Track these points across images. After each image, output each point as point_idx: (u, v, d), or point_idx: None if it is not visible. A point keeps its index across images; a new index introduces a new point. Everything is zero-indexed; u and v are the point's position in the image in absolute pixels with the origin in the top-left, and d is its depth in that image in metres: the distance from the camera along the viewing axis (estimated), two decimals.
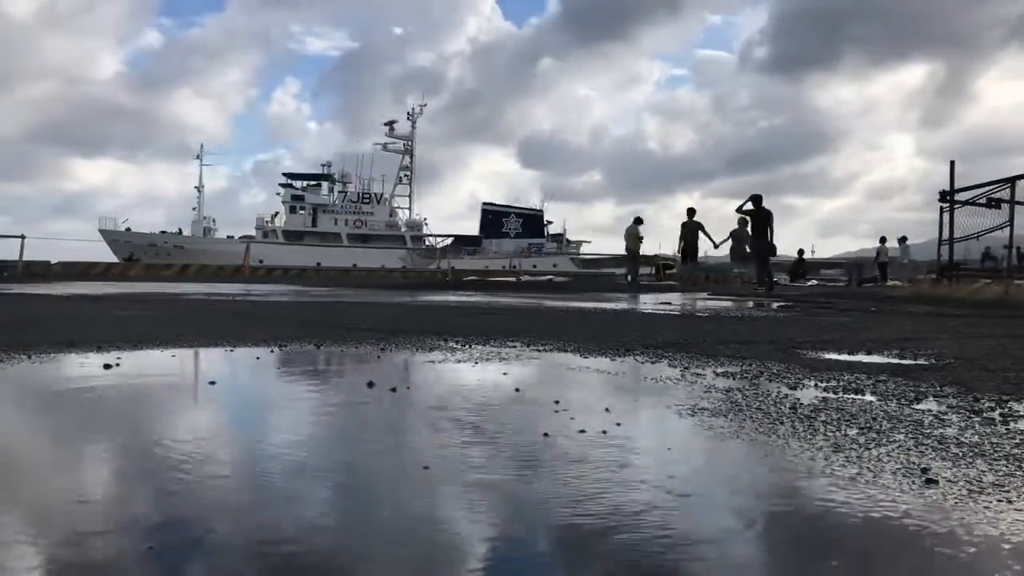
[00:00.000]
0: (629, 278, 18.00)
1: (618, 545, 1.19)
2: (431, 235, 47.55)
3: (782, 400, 2.34)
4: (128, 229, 40.91)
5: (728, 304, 8.92)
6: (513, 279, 21.58)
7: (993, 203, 11.46)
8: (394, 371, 3.02)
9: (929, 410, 2.22)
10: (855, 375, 2.86)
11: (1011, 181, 10.89)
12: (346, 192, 46.66)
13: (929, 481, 1.50)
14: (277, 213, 46.04)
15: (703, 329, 4.92)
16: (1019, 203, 10.78)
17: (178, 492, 1.42)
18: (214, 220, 45.60)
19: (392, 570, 1.11)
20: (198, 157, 46.08)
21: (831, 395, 2.44)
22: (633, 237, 17.83)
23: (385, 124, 48.55)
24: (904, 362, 3.32)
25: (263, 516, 1.30)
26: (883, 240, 25.30)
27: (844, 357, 3.48)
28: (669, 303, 9.11)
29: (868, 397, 2.42)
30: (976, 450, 1.75)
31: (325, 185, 47.19)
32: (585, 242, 46.95)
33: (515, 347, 3.76)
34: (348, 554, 1.15)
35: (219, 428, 2.08)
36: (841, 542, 1.22)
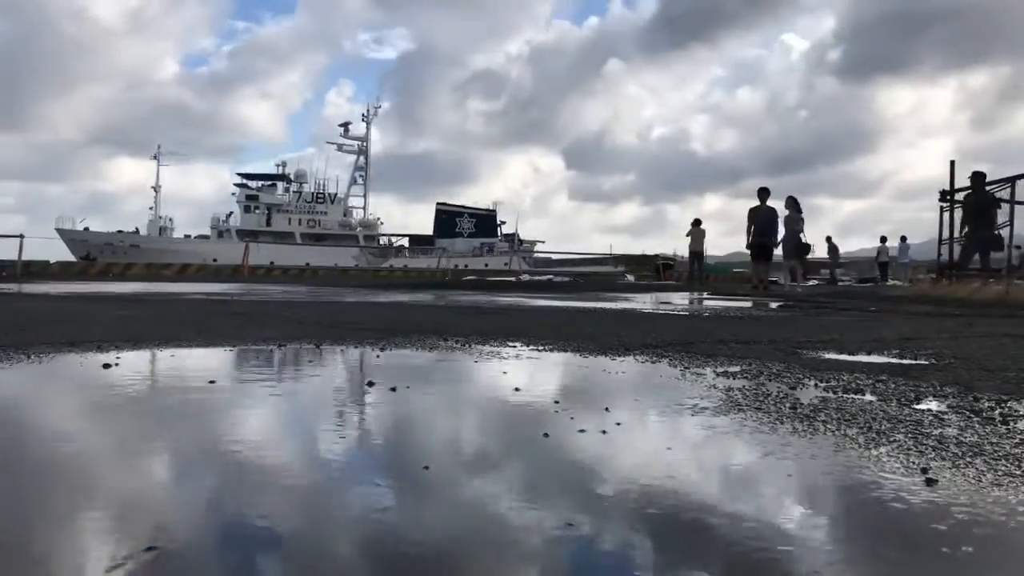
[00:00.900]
0: (689, 276, 19.74)
1: (617, 545, 1.19)
2: (384, 234, 48.27)
3: (782, 400, 2.34)
4: (86, 228, 41.14)
5: (728, 304, 8.92)
6: (513, 279, 21.59)
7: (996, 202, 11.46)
8: (394, 371, 3.01)
9: (929, 410, 2.22)
10: (855, 375, 2.85)
11: (1011, 181, 10.89)
12: (301, 192, 47.37)
13: (929, 481, 1.50)
14: (231, 213, 46.52)
15: (703, 329, 4.92)
16: (1019, 203, 10.79)
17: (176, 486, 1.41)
18: (171, 219, 46.04)
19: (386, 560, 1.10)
20: (155, 157, 46.62)
21: (831, 395, 2.44)
22: (699, 238, 19.45)
23: (340, 125, 49.40)
24: (904, 362, 3.32)
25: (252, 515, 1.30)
26: (883, 240, 25.32)
27: (844, 357, 3.48)
28: (669, 303, 9.11)
29: (868, 397, 2.42)
30: (976, 450, 1.75)
31: (280, 185, 47.79)
32: (539, 242, 47.69)
33: (515, 347, 3.76)
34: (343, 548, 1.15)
35: (218, 428, 2.08)
36: (842, 542, 1.21)
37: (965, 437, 1.87)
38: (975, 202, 11.66)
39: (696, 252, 19.91)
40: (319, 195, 46.81)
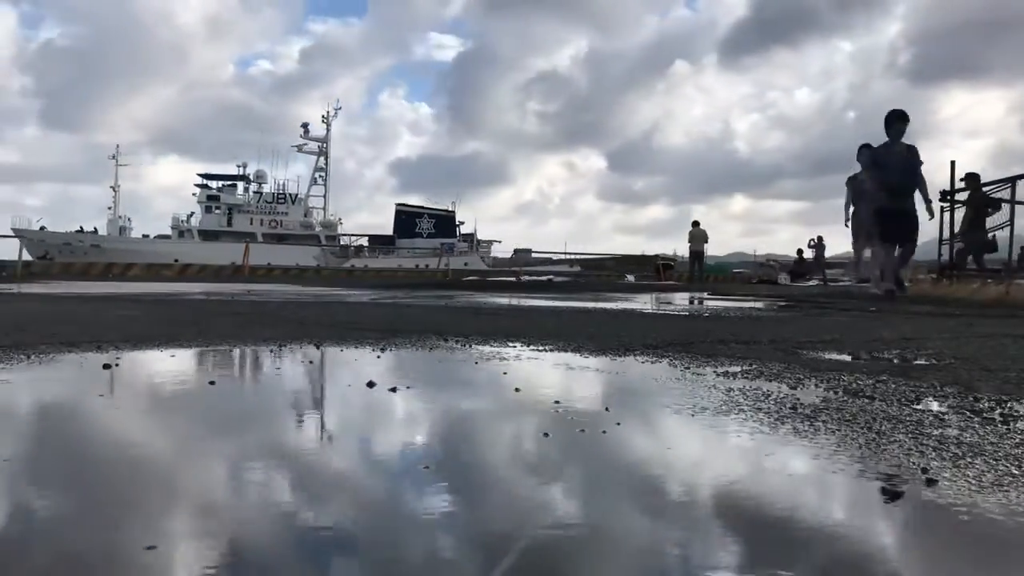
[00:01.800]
0: (691, 276, 19.73)
1: (617, 544, 1.19)
2: (345, 234, 48.99)
3: (783, 400, 2.34)
4: (43, 228, 40.99)
5: (728, 304, 8.92)
6: (513, 279, 21.61)
7: (993, 203, 11.47)
8: (394, 371, 3.01)
9: (929, 410, 2.22)
10: (855, 375, 2.85)
11: (1011, 181, 10.90)
12: (261, 192, 47.96)
13: (929, 481, 1.50)
14: (192, 213, 46.96)
15: (703, 329, 4.92)
16: (1019, 203, 10.79)
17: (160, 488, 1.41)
18: (130, 219, 46.35)
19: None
20: (113, 157, 46.96)
21: (831, 395, 2.44)
22: (699, 238, 19.55)
23: (301, 126, 50.12)
24: (904, 362, 3.32)
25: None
26: None
27: (844, 357, 3.48)
28: (670, 303, 9.11)
29: (868, 397, 2.41)
30: (976, 450, 1.75)
31: (240, 185, 48.28)
32: (495, 242, 48.46)
33: (515, 347, 3.76)
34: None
35: (218, 429, 2.08)
36: (842, 541, 1.21)
37: (965, 437, 1.87)
38: (968, 203, 11.66)
39: (696, 252, 20.23)
40: (280, 195, 47.62)
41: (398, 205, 49.74)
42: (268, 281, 17.25)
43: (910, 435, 1.89)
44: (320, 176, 49.32)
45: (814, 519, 1.32)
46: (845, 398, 2.39)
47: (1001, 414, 2.16)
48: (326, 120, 49.64)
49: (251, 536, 1.21)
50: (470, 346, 3.78)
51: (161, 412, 2.26)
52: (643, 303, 8.86)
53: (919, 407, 2.26)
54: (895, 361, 3.36)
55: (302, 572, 1.09)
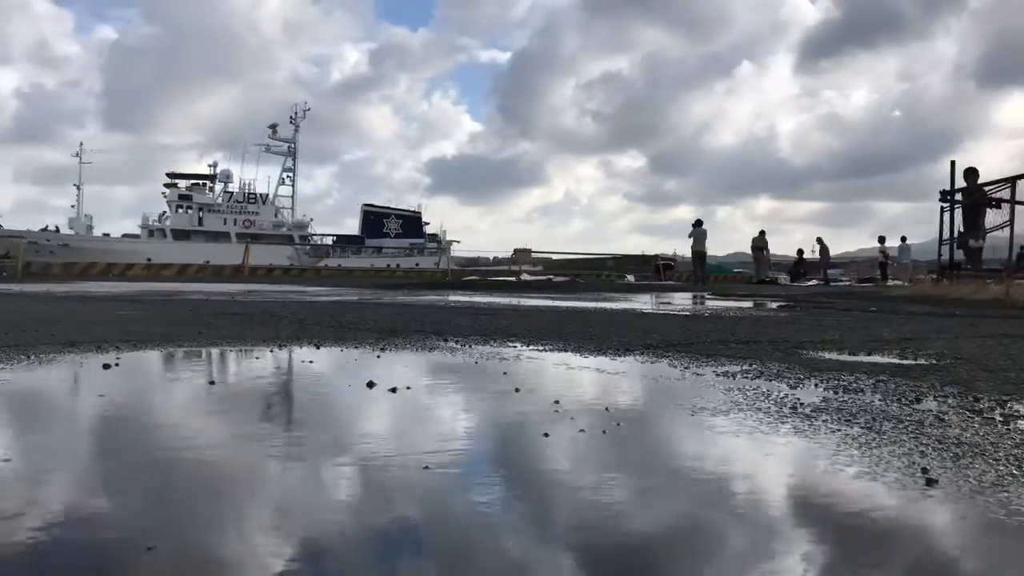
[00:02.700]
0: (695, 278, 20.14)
1: (617, 543, 1.18)
2: (315, 234, 49.66)
3: (783, 400, 2.34)
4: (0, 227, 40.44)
5: (728, 304, 8.92)
6: (513, 279, 21.60)
7: (993, 203, 11.46)
8: (394, 371, 3.01)
9: (929, 410, 2.21)
10: (855, 375, 2.85)
11: (1011, 181, 10.89)
12: (232, 192, 48.44)
13: (929, 481, 1.50)
14: (165, 212, 47.21)
15: (703, 329, 4.92)
16: (1019, 203, 10.78)
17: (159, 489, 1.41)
18: (91, 217, 46.34)
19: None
20: (77, 155, 46.99)
21: (832, 395, 2.44)
22: (701, 238, 19.92)
23: (269, 127, 50.66)
24: (904, 362, 3.32)
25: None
26: (882, 240, 25.31)
27: (844, 357, 3.48)
28: (669, 303, 9.11)
29: (868, 397, 2.41)
30: (976, 450, 1.75)
31: (208, 184, 48.66)
32: (455, 242, 49.34)
33: (515, 347, 3.76)
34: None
35: (217, 429, 2.07)
36: (841, 542, 1.21)
37: (966, 437, 1.87)
38: (964, 202, 11.64)
39: (698, 252, 20.31)
40: (251, 195, 48.16)
41: (364, 206, 50.81)
42: (267, 281, 17.25)
43: (910, 435, 1.89)
44: (288, 176, 50.14)
45: (813, 519, 1.32)
46: (845, 398, 2.39)
47: (1001, 414, 2.16)
48: (294, 121, 50.45)
49: (251, 534, 1.21)
50: (470, 346, 3.77)
51: (161, 412, 2.25)
52: (643, 303, 8.86)
53: (919, 407, 2.26)
54: (895, 361, 3.36)
55: (301, 569, 1.09)
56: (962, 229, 11.82)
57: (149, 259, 28.98)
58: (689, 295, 11.95)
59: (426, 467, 1.57)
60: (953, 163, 12.65)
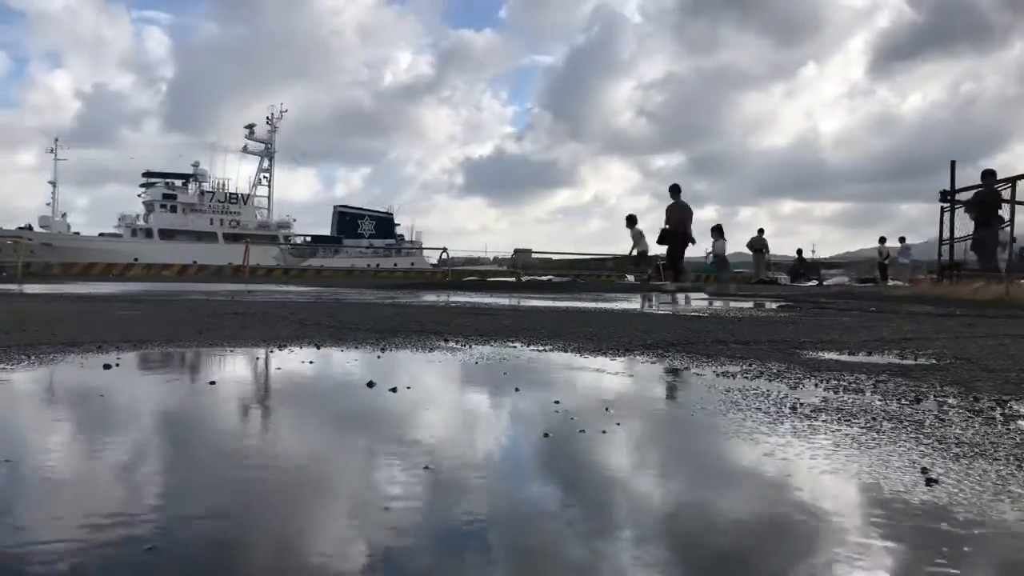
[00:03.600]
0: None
1: (617, 544, 1.18)
2: (295, 234, 50.22)
3: (782, 400, 2.34)
4: None
5: (729, 304, 8.92)
6: (513, 279, 21.60)
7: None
8: (394, 371, 3.01)
9: (929, 410, 2.21)
10: (855, 375, 2.85)
11: (1011, 181, 10.89)
12: (213, 192, 48.72)
13: (929, 480, 1.50)
14: (150, 211, 47.21)
15: (703, 329, 4.92)
16: (1020, 203, 10.78)
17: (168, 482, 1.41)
18: (67, 215, 46.23)
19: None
20: (51, 151, 46.93)
21: (831, 395, 2.44)
22: (722, 244, 19.92)
23: (245, 127, 51.04)
24: (904, 362, 3.32)
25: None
26: (882, 240, 25.33)
27: (844, 357, 3.48)
28: (669, 303, 9.11)
29: (868, 397, 2.41)
30: (976, 450, 1.75)
31: (192, 184, 48.91)
32: (441, 249, 50.89)
33: (515, 347, 3.76)
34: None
35: (217, 429, 2.07)
36: (841, 541, 1.21)
37: (966, 437, 1.87)
38: (977, 202, 11.64)
39: (720, 256, 20.70)
40: (232, 195, 48.55)
41: (337, 207, 52.09)
42: (266, 281, 17.25)
43: (910, 435, 1.89)
44: (264, 177, 50.57)
45: (813, 519, 1.32)
46: (845, 398, 2.39)
47: (1002, 414, 2.16)
48: (271, 122, 50.87)
49: (251, 533, 1.21)
50: (470, 346, 3.78)
51: (161, 411, 2.25)
52: (643, 303, 8.86)
53: (919, 407, 2.26)
54: (895, 361, 3.36)
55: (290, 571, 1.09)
56: (974, 229, 11.81)
57: (136, 259, 28.98)
58: (689, 295, 11.95)
59: (426, 467, 1.57)
60: (953, 163, 12.66)
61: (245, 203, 49.07)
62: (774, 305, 8.62)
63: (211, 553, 1.14)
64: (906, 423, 2.03)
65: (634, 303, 8.80)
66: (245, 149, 49.96)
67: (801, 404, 2.27)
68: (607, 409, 2.18)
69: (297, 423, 2.15)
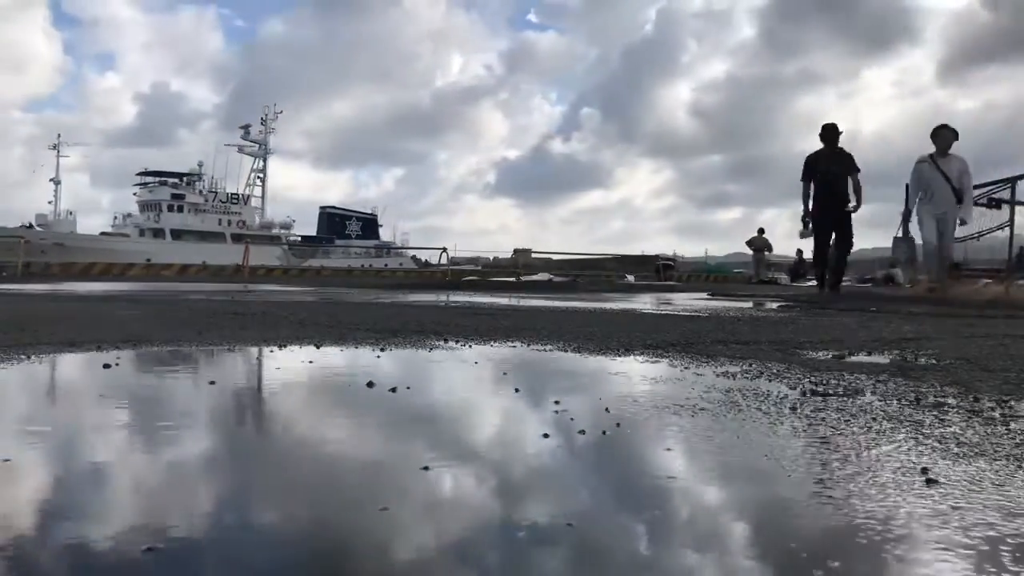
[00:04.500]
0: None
1: (617, 546, 1.18)
2: (291, 235, 50.29)
3: (782, 400, 2.34)
4: None
5: (728, 304, 8.92)
6: (512, 279, 21.61)
7: (993, 203, 11.46)
8: (394, 371, 3.01)
9: (929, 410, 2.21)
10: (855, 375, 2.85)
11: (1011, 181, 10.89)
12: (216, 192, 48.99)
13: (929, 481, 1.50)
14: (160, 212, 47.21)
15: (703, 329, 4.92)
16: (1019, 203, 10.78)
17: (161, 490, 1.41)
18: (74, 214, 46.20)
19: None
20: (54, 147, 46.77)
21: (831, 395, 2.44)
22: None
23: (240, 128, 51.34)
24: (904, 362, 3.32)
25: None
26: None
27: (845, 357, 3.47)
28: (669, 303, 9.11)
29: (868, 397, 2.41)
30: (976, 450, 1.75)
31: (196, 184, 49.16)
32: (441, 252, 51.80)
33: (515, 347, 3.76)
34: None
35: (216, 429, 2.07)
36: (841, 541, 1.21)
37: (966, 437, 1.87)
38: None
39: (758, 258, 21.46)
40: (234, 196, 48.89)
41: (323, 208, 52.54)
42: (266, 281, 17.25)
43: (910, 435, 1.89)
44: (259, 177, 50.87)
45: (813, 519, 1.32)
46: (845, 398, 2.39)
47: (1002, 414, 2.16)
48: (265, 122, 51.10)
49: (252, 534, 1.21)
50: (470, 346, 3.77)
51: (161, 411, 2.25)
52: (643, 303, 8.87)
53: (919, 407, 2.26)
54: (895, 361, 3.36)
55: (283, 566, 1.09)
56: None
57: (149, 259, 29.11)
58: (689, 295, 11.95)
59: (425, 468, 1.57)
60: None
61: (246, 203, 49.39)
62: (774, 305, 8.62)
63: (215, 551, 1.14)
64: (906, 423, 2.02)
65: (634, 303, 8.81)
66: (241, 150, 50.09)
67: (801, 404, 2.27)
68: (607, 410, 2.18)
69: (296, 423, 2.15)
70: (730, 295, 12.01)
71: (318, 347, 3.66)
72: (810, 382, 2.69)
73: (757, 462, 1.68)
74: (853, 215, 9.70)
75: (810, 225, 9.72)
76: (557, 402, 2.28)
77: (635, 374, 2.98)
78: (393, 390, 2.45)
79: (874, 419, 2.07)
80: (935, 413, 2.17)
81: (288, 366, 3.19)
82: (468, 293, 11.42)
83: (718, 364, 3.15)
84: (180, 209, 46.18)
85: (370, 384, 2.54)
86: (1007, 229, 11.06)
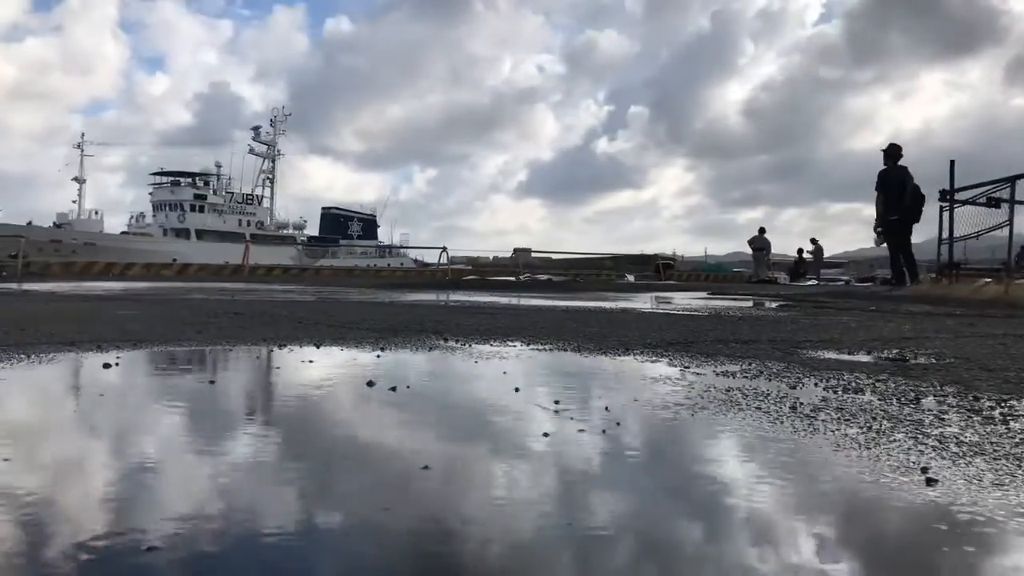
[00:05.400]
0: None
1: (617, 546, 1.18)
2: (300, 235, 50.76)
3: (782, 400, 2.34)
4: None
5: (727, 304, 8.92)
6: (512, 279, 21.61)
7: (993, 203, 11.45)
8: (394, 370, 3.01)
9: (929, 409, 2.21)
10: (855, 374, 2.85)
11: (1011, 181, 10.88)
12: (232, 193, 49.42)
13: (929, 480, 1.50)
14: (183, 213, 47.36)
15: (703, 328, 4.92)
16: (1019, 203, 10.77)
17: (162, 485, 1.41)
18: (101, 213, 46.31)
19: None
20: (78, 146, 46.87)
21: (831, 394, 2.44)
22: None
23: (252, 129, 51.75)
24: (904, 361, 3.32)
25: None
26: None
27: (844, 357, 3.48)
28: (669, 303, 9.11)
29: (868, 396, 2.41)
30: (976, 449, 1.75)
31: (211, 184, 49.48)
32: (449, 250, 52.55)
33: (515, 346, 3.76)
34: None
35: (216, 428, 2.07)
36: (841, 542, 1.21)
37: (965, 437, 1.87)
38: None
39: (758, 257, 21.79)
40: (248, 196, 49.34)
41: (324, 208, 52.99)
42: (266, 281, 17.24)
43: (910, 434, 1.89)
44: (268, 178, 51.27)
45: (812, 519, 1.32)
46: (845, 397, 2.39)
47: (1001, 414, 2.16)
48: (274, 124, 51.45)
49: (252, 534, 1.21)
50: (470, 345, 3.77)
51: (160, 410, 2.25)
52: (643, 303, 8.87)
53: (919, 406, 2.26)
54: (895, 360, 3.36)
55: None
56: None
57: (175, 259, 29.32)
58: (688, 295, 11.95)
59: (425, 467, 1.57)
60: (952, 163, 12.64)
61: (259, 204, 49.84)
62: (774, 304, 8.62)
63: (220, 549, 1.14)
64: (905, 422, 2.02)
65: (634, 303, 8.81)
66: (251, 151, 50.42)
67: (801, 403, 2.27)
68: (607, 409, 2.18)
69: (295, 422, 2.14)
70: (730, 294, 12.01)
71: (318, 346, 3.66)
72: (810, 381, 2.69)
73: (759, 461, 1.68)
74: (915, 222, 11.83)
75: (881, 232, 11.88)
76: (556, 401, 2.28)
77: (634, 373, 2.98)
78: (393, 389, 2.45)
79: (874, 418, 2.07)
80: (935, 412, 2.17)
81: (288, 365, 3.19)
82: (468, 292, 11.42)
83: (718, 363, 3.15)
84: (202, 209, 46.55)
85: (370, 383, 2.54)
86: (1006, 229, 11.05)
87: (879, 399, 2.37)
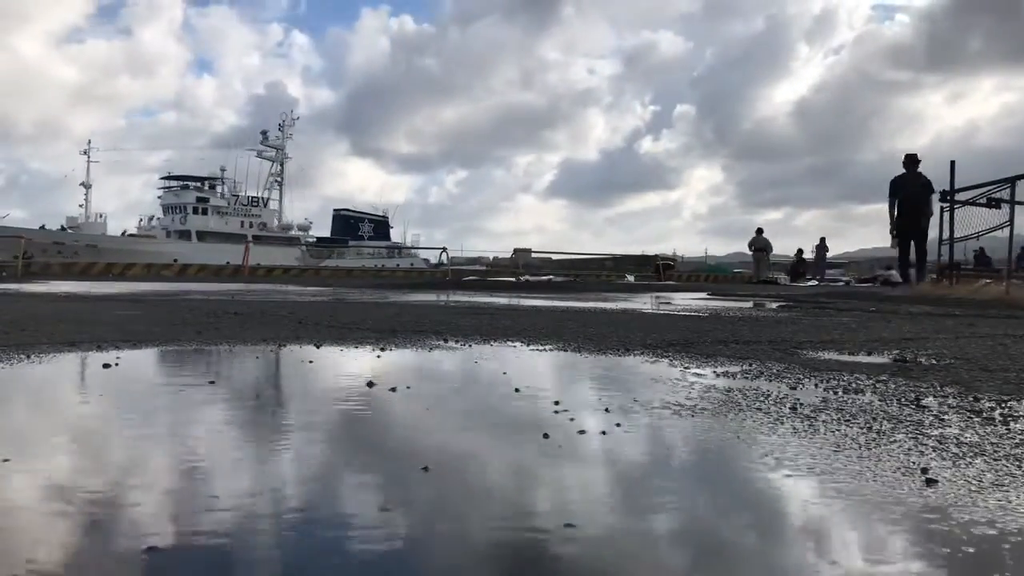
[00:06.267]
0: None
1: (617, 547, 1.18)
2: (308, 236, 51.40)
3: (782, 400, 2.34)
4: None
5: (728, 304, 8.92)
6: (513, 279, 21.62)
7: (993, 203, 11.45)
8: (394, 371, 3.01)
9: (929, 410, 2.21)
10: (855, 375, 2.85)
11: (1011, 181, 10.88)
12: (237, 195, 49.94)
13: (929, 481, 1.50)
14: (175, 214, 47.86)
15: (703, 329, 4.92)
16: (1019, 203, 10.77)
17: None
18: (104, 216, 46.83)
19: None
20: (85, 152, 47.46)
21: (831, 395, 2.44)
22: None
23: (261, 132, 52.37)
24: (904, 362, 3.31)
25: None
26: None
27: (844, 357, 3.48)
28: (669, 303, 9.11)
29: (868, 397, 2.41)
30: (976, 450, 1.75)
31: (218, 188, 49.96)
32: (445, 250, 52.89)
33: (515, 347, 3.76)
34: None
35: (216, 428, 2.07)
36: (841, 542, 1.21)
37: (965, 437, 1.87)
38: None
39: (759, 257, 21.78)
40: (253, 199, 49.94)
41: (336, 210, 53.64)
42: (267, 281, 17.24)
43: (910, 435, 1.89)
44: (276, 181, 51.80)
45: (812, 519, 1.32)
46: (845, 398, 2.39)
47: (1001, 414, 2.16)
48: (282, 127, 52.04)
49: (252, 533, 1.21)
50: (470, 346, 3.77)
51: (159, 410, 2.25)
52: (643, 303, 8.86)
53: (919, 407, 2.26)
54: (895, 361, 3.36)
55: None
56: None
57: (175, 260, 29.53)
58: (688, 295, 11.95)
59: (425, 468, 1.57)
60: (953, 163, 12.65)
61: (265, 206, 50.37)
62: (774, 305, 8.62)
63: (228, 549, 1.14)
64: (905, 423, 2.02)
65: (634, 303, 8.80)
66: (259, 155, 50.91)
67: (801, 404, 2.27)
68: (607, 410, 2.18)
69: (294, 423, 2.14)
70: (730, 295, 12.00)
71: (318, 347, 3.66)
72: (810, 382, 2.69)
73: (759, 461, 1.68)
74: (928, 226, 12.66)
75: (896, 235, 12.72)
76: (557, 402, 2.28)
77: (634, 374, 2.98)
78: (393, 390, 2.45)
79: (874, 419, 2.07)
80: (935, 413, 2.17)
81: (288, 365, 3.20)
82: (468, 293, 11.42)
83: (718, 364, 3.15)
84: (204, 212, 47.06)
85: (370, 384, 2.54)
86: (1007, 229, 11.06)
87: (879, 400, 2.37)
